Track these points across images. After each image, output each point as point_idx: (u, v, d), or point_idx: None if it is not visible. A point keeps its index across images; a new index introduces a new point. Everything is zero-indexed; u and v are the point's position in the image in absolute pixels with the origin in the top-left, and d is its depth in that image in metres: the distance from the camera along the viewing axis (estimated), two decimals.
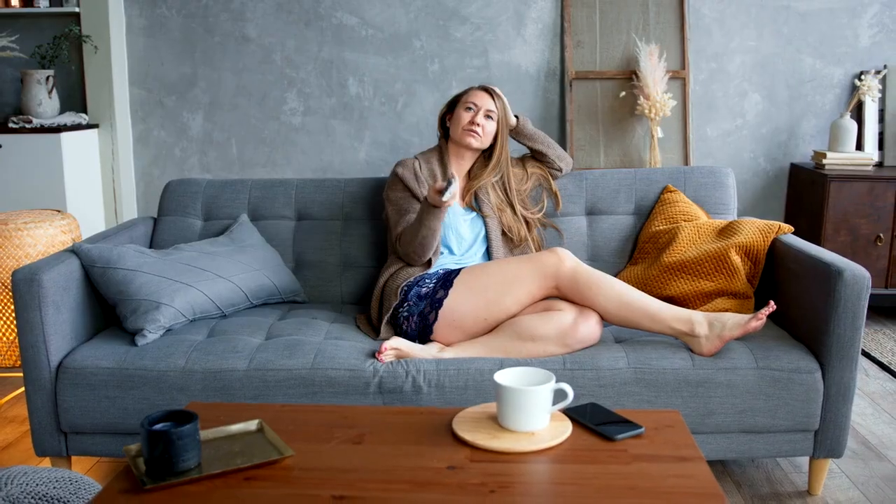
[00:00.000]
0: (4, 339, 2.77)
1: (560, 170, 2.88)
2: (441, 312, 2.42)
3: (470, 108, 2.70)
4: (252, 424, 1.64)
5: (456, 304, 2.42)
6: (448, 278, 2.48)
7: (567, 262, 2.38)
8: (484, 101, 2.71)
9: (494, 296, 2.40)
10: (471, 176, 2.79)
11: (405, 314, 2.48)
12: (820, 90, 4.05)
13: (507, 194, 2.78)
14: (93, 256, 2.48)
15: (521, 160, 2.89)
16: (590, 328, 2.34)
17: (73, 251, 2.50)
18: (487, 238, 2.72)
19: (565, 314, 2.34)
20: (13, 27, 4.08)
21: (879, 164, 3.96)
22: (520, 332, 2.34)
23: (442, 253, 2.67)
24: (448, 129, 2.78)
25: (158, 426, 1.46)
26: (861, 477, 2.51)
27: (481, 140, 2.71)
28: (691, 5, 3.97)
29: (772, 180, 4.13)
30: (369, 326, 2.59)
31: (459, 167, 2.78)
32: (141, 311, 2.43)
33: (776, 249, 2.61)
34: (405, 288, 2.52)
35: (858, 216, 3.71)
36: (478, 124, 2.68)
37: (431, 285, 2.49)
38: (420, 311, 2.45)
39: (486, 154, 2.78)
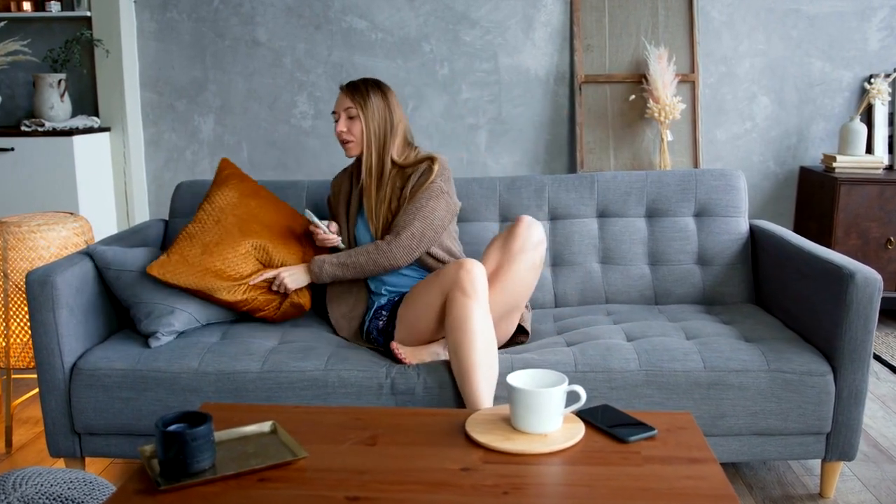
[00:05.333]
0: (18, 340, 2.79)
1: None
2: (396, 342, 2.43)
3: (337, 119, 2.55)
4: (265, 426, 1.65)
5: (402, 339, 2.44)
6: (394, 312, 2.51)
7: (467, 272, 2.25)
8: (342, 103, 2.53)
9: (424, 325, 2.38)
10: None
11: (374, 340, 2.55)
12: (829, 93, 4.04)
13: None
14: (108, 259, 2.50)
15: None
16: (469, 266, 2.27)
17: (88, 253, 2.51)
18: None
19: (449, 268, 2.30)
20: (25, 31, 4.11)
21: (889, 168, 3.96)
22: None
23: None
24: None
25: (173, 427, 1.48)
26: (873, 480, 2.51)
27: (355, 145, 2.53)
28: (700, 9, 3.97)
29: (781, 183, 4.12)
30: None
31: (373, 188, 2.58)
32: (155, 315, 2.44)
33: (786, 251, 2.61)
34: (369, 323, 2.56)
35: (869, 219, 3.70)
36: (342, 129, 2.53)
37: (385, 319, 2.54)
38: (383, 342, 2.51)
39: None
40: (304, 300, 2.58)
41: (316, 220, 2.55)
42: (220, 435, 1.59)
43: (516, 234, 2.35)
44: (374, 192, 2.57)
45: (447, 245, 2.60)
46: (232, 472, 1.46)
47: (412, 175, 2.54)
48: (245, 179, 2.77)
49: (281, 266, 2.57)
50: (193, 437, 1.42)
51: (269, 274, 2.53)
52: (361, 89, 2.54)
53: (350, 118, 2.53)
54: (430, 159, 2.55)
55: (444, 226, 2.53)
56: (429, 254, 2.55)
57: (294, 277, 2.54)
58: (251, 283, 2.51)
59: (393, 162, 2.57)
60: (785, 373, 2.25)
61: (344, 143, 2.55)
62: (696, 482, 1.42)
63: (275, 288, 2.53)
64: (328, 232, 2.57)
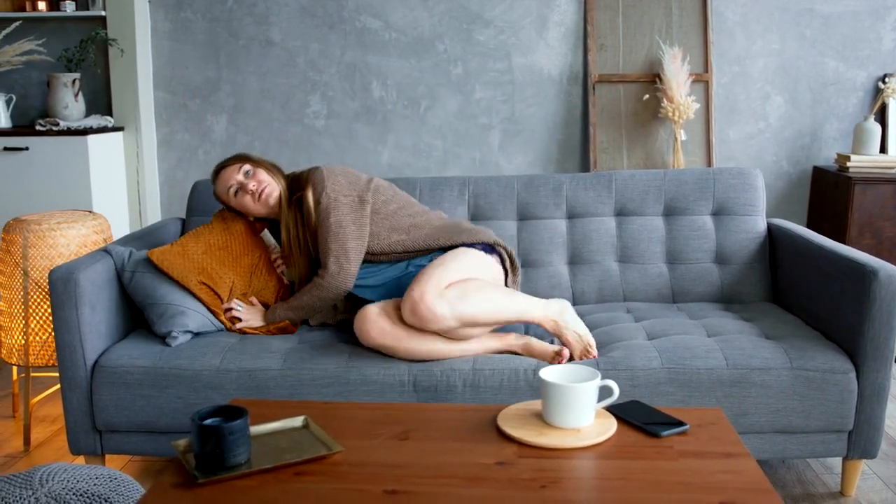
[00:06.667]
0: (36, 339, 2.79)
1: None
2: None
3: (237, 191, 2.58)
4: (297, 420, 1.66)
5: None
6: None
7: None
8: (230, 173, 2.59)
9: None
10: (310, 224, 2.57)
11: None
12: (843, 93, 4.04)
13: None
14: (124, 258, 2.50)
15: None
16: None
17: (107, 252, 2.52)
18: None
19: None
20: (40, 31, 4.11)
21: None
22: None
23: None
24: (260, 220, 2.70)
25: (209, 421, 1.48)
26: (894, 478, 2.50)
27: (271, 186, 2.57)
28: (714, 8, 3.98)
29: (794, 183, 4.12)
30: None
31: (293, 227, 2.59)
32: (168, 316, 2.44)
33: (805, 249, 2.61)
34: None
35: (883, 218, 3.70)
36: (252, 187, 2.55)
37: None
38: None
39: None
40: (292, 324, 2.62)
41: (273, 241, 2.65)
42: (252, 430, 1.59)
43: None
44: (299, 221, 2.57)
45: (392, 238, 2.55)
46: (268, 465, 1.46)
47: (306, 198, 2.53)
48: None
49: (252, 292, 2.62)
50: (230, 431, 1.42)
51: (235, 305, 2.54)
52: (233, 156, 2.65)
53: (247, 174, 2.58)
54: (307, 176, 2.56)
55: (360, 222, 2.50)
56: (384, 253, 2.54)
57: (250, 318, 2.55)
58: (223, 306, 2.53)
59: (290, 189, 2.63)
60: (808, 370, 2.25)
61: (261, 193, 2.55)
62: (732, 476, 1.42)
63: (230, 315, 2.53)
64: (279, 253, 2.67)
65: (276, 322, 2.54)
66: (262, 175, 2.58)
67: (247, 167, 2.59)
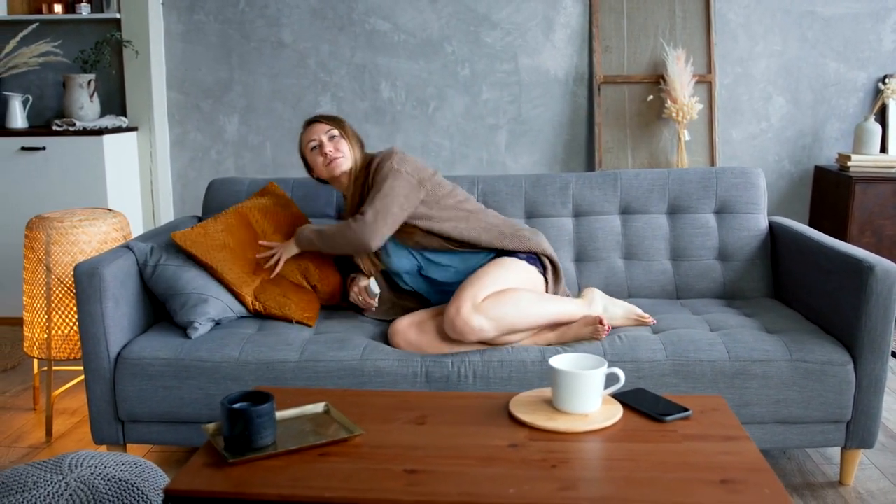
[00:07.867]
0: (58, 333, 2.87)
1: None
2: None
3: (314, 147, 2.72)
4: (319, 406, 1.74)
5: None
6: None
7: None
8: (318, 130, 2.72)
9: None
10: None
11: None
12: (844, 94, 4.12)
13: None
14: (146, 253, 2.59)
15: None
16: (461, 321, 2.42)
17: (129, 248, 2.60)
18: None
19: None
20: (56, 33, 4.20)
21: None
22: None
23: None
24: (325, 181, 2.81)
25: (238, 405, 1.56)
26: (891, 468, 2.58)
27: (345, 158, 2.70)
28: (717, 10, 4.05)
29: (796, 182, 4.20)
30: None
31: (351, 196, 2.74)
32: (190, 305, 2.52)
33: (805, 246, 2.68)
34: None
35: (883, 217, 3.77)
36: (328, 150, 2.69)
37: None
38: None
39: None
40: (311, 314, 2.68)
41: (376, 291, 2.66)
42: (276, 415, 1.67)
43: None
44: (359, 197, 2.71)
45: (449, 224, 2.65)
46: (293, 447, 1.54)
47: (373, 171, 2.68)
48: (288, 202, 2.89)
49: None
50: (258, 414, 1.50)
51: (272, 249, 2.70)
52: (330, 115, 2.78)
53: (331, 139, 2.70)
54: (384, 152, 2.72)
55: (410, 199, 2.61)
56: (443, 237, 2.64)
57: (287, 249, 2.70)
58: (259, 255, 2.68)
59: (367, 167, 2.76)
60: (807, 363, 2.33)
61: (332, 161, 2.68)
62: (733, 457, 1.50)
63: (272, 260, 2.68)
64: (371, 303, 2.70)
65: (301, 242, 2.67)
66: (343, 146, 2.71)
67: (335, 132, 2.72)
